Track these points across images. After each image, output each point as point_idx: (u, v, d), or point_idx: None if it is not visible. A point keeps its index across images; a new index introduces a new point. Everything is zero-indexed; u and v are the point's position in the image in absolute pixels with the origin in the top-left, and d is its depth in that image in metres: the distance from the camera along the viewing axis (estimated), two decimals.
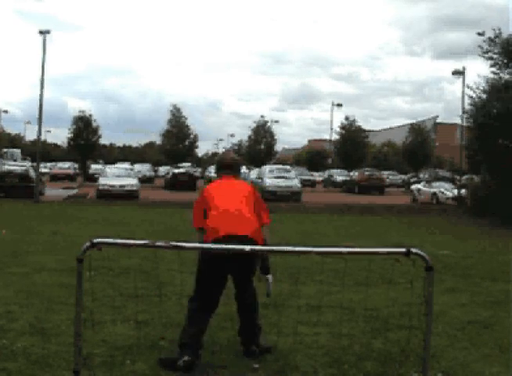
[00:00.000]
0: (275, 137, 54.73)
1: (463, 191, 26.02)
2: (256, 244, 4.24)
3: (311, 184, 45.03)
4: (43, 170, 36.60)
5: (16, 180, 24.28)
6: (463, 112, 24.12)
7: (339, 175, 47.36)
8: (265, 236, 4.53)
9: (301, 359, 4.49)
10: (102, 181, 26.95)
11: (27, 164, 29.51)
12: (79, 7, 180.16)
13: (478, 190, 22.22)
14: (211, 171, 45.80)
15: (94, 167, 47.81)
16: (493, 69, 19.53)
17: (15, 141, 65.92)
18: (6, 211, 18.23)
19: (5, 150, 43.62)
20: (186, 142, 49.97)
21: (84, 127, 46.71)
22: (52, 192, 28.54)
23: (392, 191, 40.84)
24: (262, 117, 55.48)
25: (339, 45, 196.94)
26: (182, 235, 10.64)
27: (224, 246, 4.08)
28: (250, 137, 55.16)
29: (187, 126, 50.22)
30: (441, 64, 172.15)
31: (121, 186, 26.21)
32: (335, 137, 54.88)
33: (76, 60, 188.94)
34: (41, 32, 24.47)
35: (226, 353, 4.58)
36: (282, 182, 27.94)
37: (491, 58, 19.32)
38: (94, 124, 47.61)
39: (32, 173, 24.85)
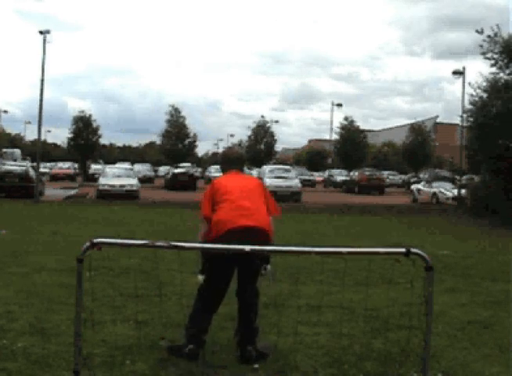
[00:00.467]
0: (275, 137, 54.81)
1: (463, 191, 26.01)
2: (269, 235, 4.45)
3: (311, 184, 45.06)
4: (43, 170, 36.57)
5: (16, 180, 24.26)
6: (463, 112, 24.13)
7: (339, 175, 47.42)
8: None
9: (301, 359, 4.49)
10: (102, 181, 26.96)
11: (27, 164, 29.47)
12: (79, 7, 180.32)
13: (478, 190, 22.22)
14: (211, 171, 45.82)
15: (94, 167, 47.78)
16: (493, 69, 19.56)
17: (15, 141, 65.84)
18: (6, 211, 18.22)
19: (5, 150, 43.55)
20: (186, 142, 49.93)
21: (84, 127, 46.71)
22: (52, 192, 28.54)
23: (392, 191, 40.85)
24: (262, 117, 55.55)
25: (339, 45, 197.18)
26: (182, 235, 10.66)
27: (224, 246, 4.10)
28: (250, 137, 55.15)
29: (185, 126, 50.15)
30: (441, 64, 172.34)
31: (121, 186, 26.22)
32: (335, 137, 54.94)
33: (76, 60, 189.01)
34: (41, 32, 24.46)
35: (226, 353, 4.58)
36: (282, 182, 27.94)
37: (491, 58, 19.32)
38: (94, 124, 47.62)
39: (32, 173, 24.84)
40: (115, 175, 27.77)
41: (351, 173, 42.42)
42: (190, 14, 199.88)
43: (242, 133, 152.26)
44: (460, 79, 27.89)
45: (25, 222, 14.74)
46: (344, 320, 5.22)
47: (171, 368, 4.20)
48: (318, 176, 54.22)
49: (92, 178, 40.02)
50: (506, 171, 18.99)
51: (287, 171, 31.06)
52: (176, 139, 48.90)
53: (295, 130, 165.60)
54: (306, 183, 39.60)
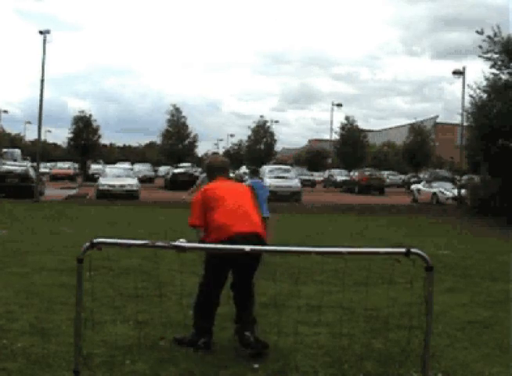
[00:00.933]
0: (275, 137, 54.82)
1: (463, 191, 26.01)
2: (264, 239, 4.56)
3: (311, 184, 45.03)
4: (43, 170, 36.54)
5: (16, 180, 24.25)
6: (463, 112, 24.12)
7: (339, 175, 47.39)
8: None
9: (301, 359, 4.49)
10: (102, 181, 26.95)
11: (27, 164, 29.46)
12: (79, 7, 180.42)
13: (478, 190, 22.22)
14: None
15: (94, 167, 47.74)
16: (493, 69, 19.55)
17: (15, 141, 65.80)
18: (6, 211, 18.21)
19: (5, 150, 43.51)
20: (186, 142, 49.93)
21: (84, 127, 46.66)
22: (52, 192, 28.53)
23: (392, 191, 40.82)
24: (261, 117, 55.56)
25: (339, 44, 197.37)
26: (182, 235, 10.65)
27: (223, 245, 4.19)
28: (250, 137, 55.16)
29: (186, 126, 50.17)
30: (441, 64, 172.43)
31: (121, 186, 26.21)
32: (335, 137, 54.94)
33: (76, 60, 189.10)
34: (41, 32, 24.47)
35: (226, 353, 4.58)
36: (282, 182, 27.94)
37: (491, 58, 19.31)
38: (94, 124, 47.59)
39: (32, 173, 24.83)
40: (115, 175, 27.76)
41: (351, 173, 42.42)
42: (190, 14, 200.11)
43: (242, 133, 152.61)
44: (460, 79, 27.89)
45: (25, 222, 14.74)
46: (344, 320, 5.21)
47: (171, 368, 4.20)
48: (318, 176, 54.18)
49: (92, 179, 39.96)
50: (506, 171, 18.98)
51: (287, 171, 31.05)
52: (176, 139, 48.90)
53: (295, 130, 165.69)
54: (306, 183, 39.58)
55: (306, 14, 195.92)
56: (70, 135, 47.10)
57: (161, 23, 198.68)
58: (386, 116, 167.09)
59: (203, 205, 4.64)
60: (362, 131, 54.91)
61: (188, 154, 50.70)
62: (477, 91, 19.98)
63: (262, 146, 53.61)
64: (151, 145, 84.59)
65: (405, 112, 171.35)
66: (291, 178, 29.10)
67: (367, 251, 4.90)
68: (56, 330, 5.01)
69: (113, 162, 54.16)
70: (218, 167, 5.06)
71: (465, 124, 23.97)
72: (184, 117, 50.28)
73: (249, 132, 55.17)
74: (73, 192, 30.84)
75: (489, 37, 19.09)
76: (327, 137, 61.07)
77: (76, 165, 50.64)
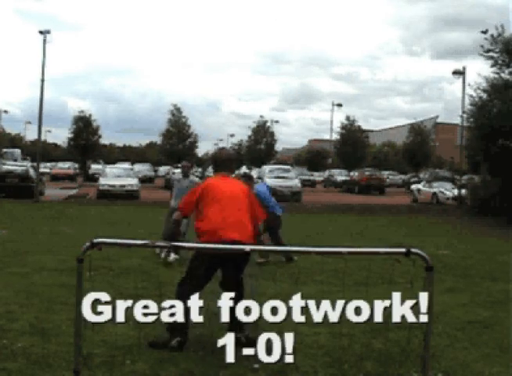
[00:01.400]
0: (275, 137, 54.81)
1: (463, 191, 26.01)
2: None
3: (311, 184, 45.00)
4: (43, 170, 36.54)
5: (16, 180, 24.26)
6: (463, 112, 24.12)
7: (339, 175, 47.36)
8: (260, 228, 4.88)
9: (301, 359, 4.49)
10: (102, 181, 26.96)
11: (27, 164, 29.47)
12: (79, 7, 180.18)
13: (478, 190, 22.23)
14: (211, 171, 45.70)
15: (94, 167, 47.69)
16: (494, 68, 19.56)
17: (15, 141, 65.81)
18: (6, 211, 18.22)
19: (5, 150, 43.53)
20: (187, 142, 49.92)
21: (84, 127, 46.65)
22: (52, 192, 28.53)
23: (392, 191, 40.81)
24: (261, 117, 55.55)
25: (339, 44, 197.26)
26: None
27: (223, 246, 4.24)
28: (250, 137, 55.16)
29: (188, 126, 50.17)
30: (441, 64, 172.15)
31: (121, 186, 26.22)
32: (335, 137, 54.93)
33: (76, 60, 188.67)
34: (41, 32, 24.48)
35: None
36: (282, 182, 27.93)
37: (491, 57, 19.32)
38: (94, 124, 47.58)
39: (32, 173, 24.84)
40: (115, 175, 27.76)
41: (351, 173, 42.38)
42: (190, 14, 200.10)
43: (242, 133, 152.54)
44: (460, 79, 27.87)
45: (25, 222, 14.74)
46: (344, 320, 5.21)
47: (171, 368, 4.20)
48: (318, 176, 54.18)
49: (92, 179, 39.95)
50: (506, 171, 18.98)
51: (287, 171, 31.05)
52: (177, 139, 48.89)
53: (295, 130, 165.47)
54: (306, 183, 39.57)
55: (306, 14, 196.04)
56: (70, 135, 47.07)
57: (161, 23, 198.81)
58: (386, 116, 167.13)
59: (199, 198, 4.71)
60: (364, 131, 54.90)
61: (188, 154, 50.70)
62: (477, 91, 20.01)
63: (262, 146, 53.60)
64: (151, 145, 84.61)
65: (405, 112, 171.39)
66: (291, 179, 29.10)
67: (367, 251, 4.90)
68: (56, 330, 5.01)
69: (113, 162, 54.10)
70: (223, 160, 5.07)
71: (465, 124, 23.97)
72: (185, 117, 50.29)
73: (249, 132, 55.26)
74: (73, 192, 30.84)
75: (492, 36, 19.10)
76: (327, 137, 61.12)
77: (76, 165, 50.61)
